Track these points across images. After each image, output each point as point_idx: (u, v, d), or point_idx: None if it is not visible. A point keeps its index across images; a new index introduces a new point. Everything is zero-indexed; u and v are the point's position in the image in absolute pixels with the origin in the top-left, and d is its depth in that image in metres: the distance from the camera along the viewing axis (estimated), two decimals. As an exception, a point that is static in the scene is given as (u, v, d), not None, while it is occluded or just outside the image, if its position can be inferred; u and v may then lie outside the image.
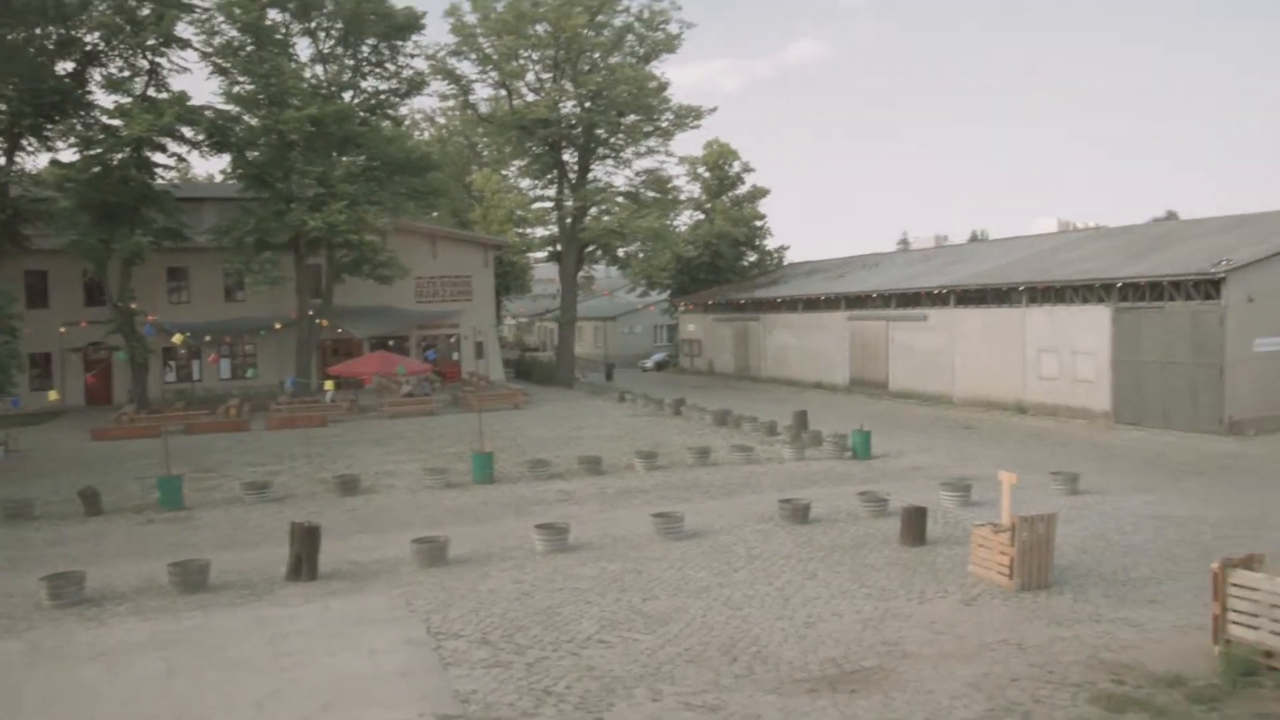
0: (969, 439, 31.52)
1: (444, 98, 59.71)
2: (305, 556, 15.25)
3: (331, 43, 45.25)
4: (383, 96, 47.36)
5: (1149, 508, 19.74)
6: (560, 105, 53.77)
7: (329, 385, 35.59)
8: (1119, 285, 33.81)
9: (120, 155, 39.05)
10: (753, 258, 71.49)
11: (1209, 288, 30.87)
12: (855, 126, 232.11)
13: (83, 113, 39.71)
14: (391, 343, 49.44)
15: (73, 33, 39.07)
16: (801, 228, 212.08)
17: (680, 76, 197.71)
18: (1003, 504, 15.09)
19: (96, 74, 40.46)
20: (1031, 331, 37.72)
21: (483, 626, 12.70)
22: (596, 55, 53.73)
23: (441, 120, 72.14)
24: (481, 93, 59.19)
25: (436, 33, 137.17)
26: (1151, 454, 27.65)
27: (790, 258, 73.54)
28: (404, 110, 55.01)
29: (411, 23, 45.27)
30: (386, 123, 48.94)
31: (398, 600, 14.02)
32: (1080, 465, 24.28)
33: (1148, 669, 10.71)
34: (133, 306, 41.02)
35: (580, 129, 54.71)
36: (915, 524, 17.00)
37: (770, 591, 14.12)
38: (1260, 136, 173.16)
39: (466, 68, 55.60)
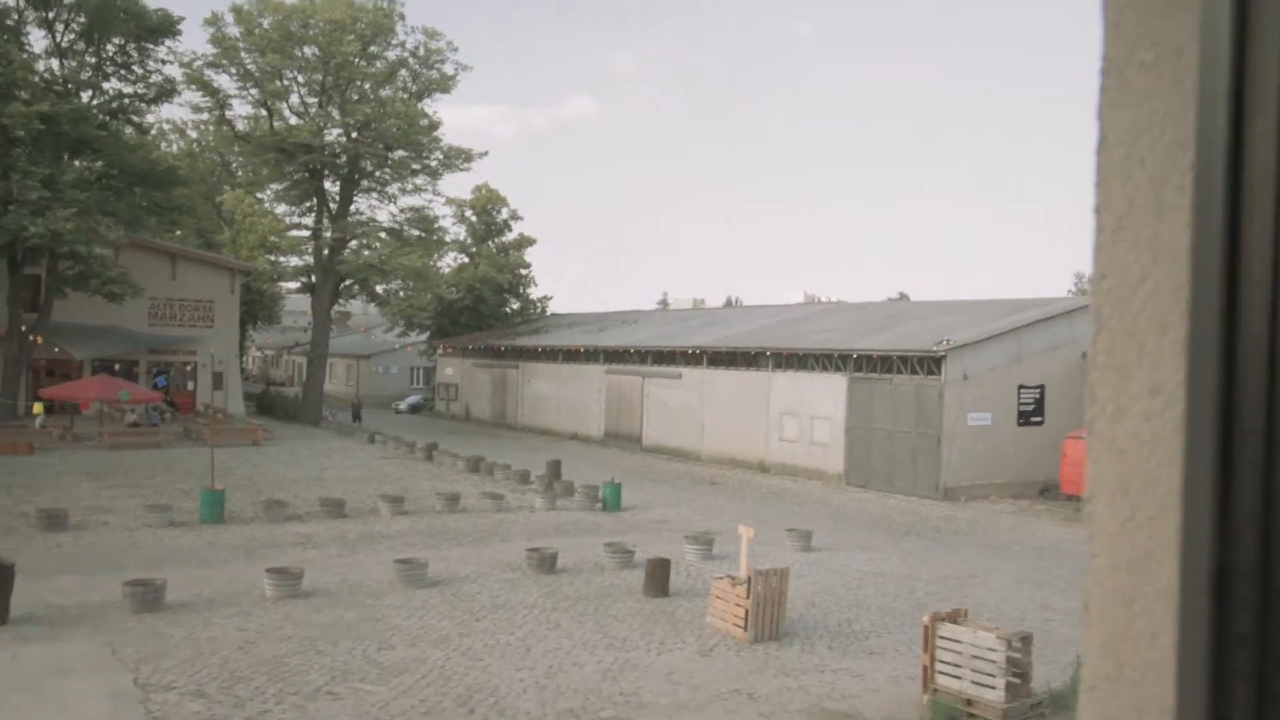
0: (714, 494, 32.74)
1: (197, 109, 56.43)
2: (-6, 597, 13.65)
3: (72, 37, 41.82)
4: (127, 100, 44.15)
5: (872, 564, 21.17)
6: (325, 132, 52.15)
7: (38, 409, 32.31)
8: (855, 356, 36.42)
9: None
10: (516, 305, 71.63)
11: (931, 364, 33.84)
12: (623, 185, 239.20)
13: None
14: (118, 366, 45.53)
15: None
16: (565, 279, 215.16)
17: (453, 117, 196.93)
18: (741, 558, 15.74)
19: None
20: (776, 395, 39.85)
21: (199, 678, 11.79)
22: (367, 86, 52.62)
23: (193, 134, 68.09)
24: (240, 109, 56.50)
25: (194, 40, 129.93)
26: (877, 515, 29.74)
27: (553, 308, 74.29)
28: (150, 118, 51.57)
29: (166, 26, 42.66)
30: (130, 129, 45.61)
31: (102, 648, 12.79)
32: (813, 523, 25.74)
33: (864, 717, 11.40)
34: None
35: (345, 158, 53.20)
36: (659, 576, 17.39)
37: (512, 641, 13.98)
38: (985, 228, 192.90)
39: (225, 81, 52.88)
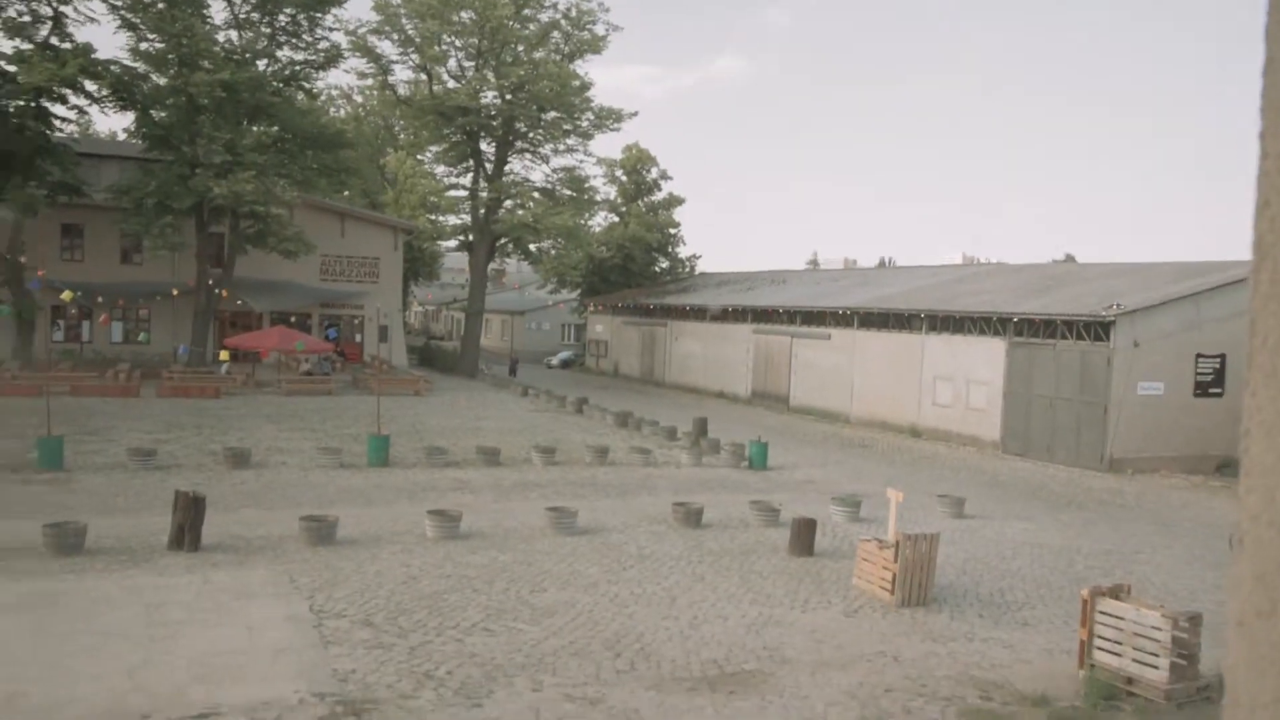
0: (863, 457, 32.32)
1: (362, 75, 58.64)
2: (188, 526, 14.85)
3: (248, 8, 43.98)
4: (298, 68, 46.20)
5: (1028, 535, 20.55)
6: (481, 95, 53.30)
7: (224, 356, 34.64)
8: (1015, 320, 35.08)
9: (17, 103, 37.30)
10: (664, 264, 72.01)
11: (1099, 329, 32.27)
12: (774, 145, 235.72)
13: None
14: (293, 319, 48.28)
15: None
16: (714, 239, 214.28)
17: (604, 77, 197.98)
18: (889, 521, 15.56)
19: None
20: (929, 358, 38.87)
21: (367, 608, 12.55)
22: (520, 48, 53.41)
23: (358, 98, 70.80)
24: (401, 74, 58.48)
25: (359, 8, 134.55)
26: (1035, 484, 28.76)
27: (701, 267, 74.33)
28: (320, 84, 53.83)
29: (332, -7, 44.35)
30: (301, 95, 47.81)
31: (281, 577, 13.76)
32: (966, 490, 25.13)
33: (1015, 688, 11.17)
34: (22, 260, 39.21)
35: (500, 120, 54.35)
36: (804, 535, 17.38)
37: (658, 591, 14.28)
38: (1157, 190, 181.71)
39: (387, 47, 54.72)
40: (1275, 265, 0.89)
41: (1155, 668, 10.79)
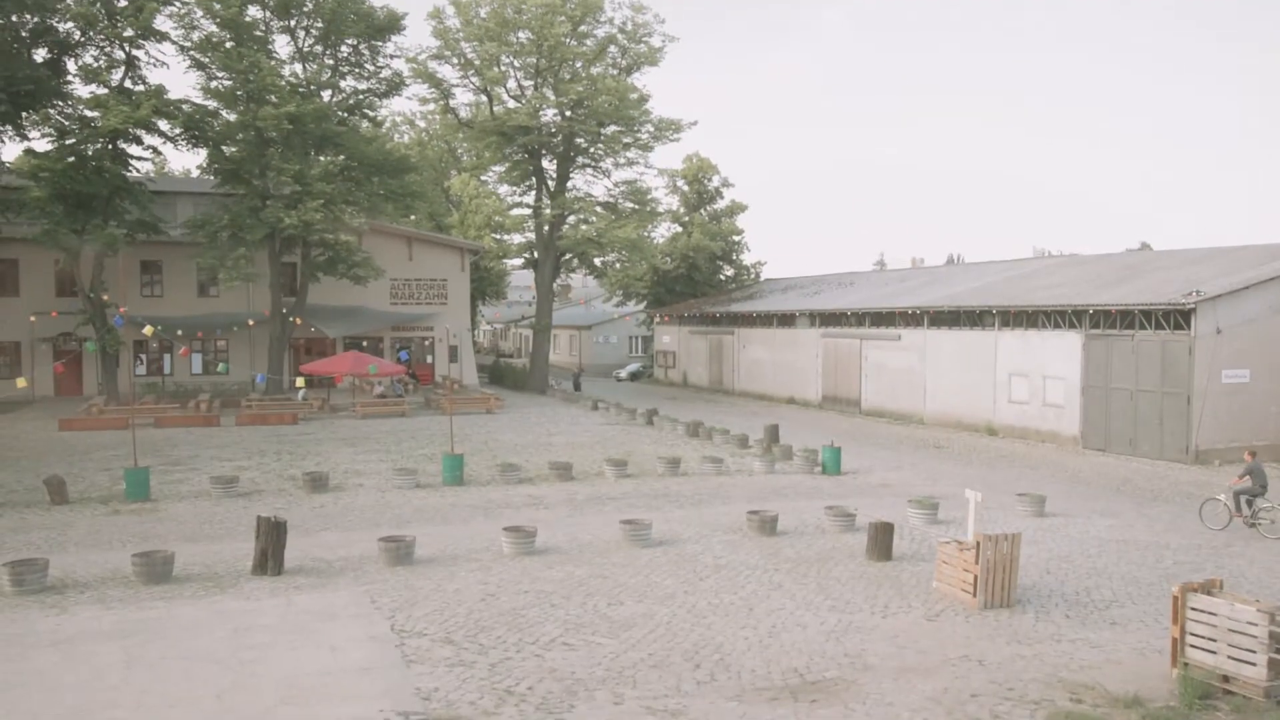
0: (938, 458, 31.78)
1: (424, 101, 59.60)
2: (271, 551, 15.18)
3: (311, 41, 45.13)
4: (361, 97, 47.27)
5: (1113, 532, 19.99)
6: (541, 113, 53.86)
7: (300, 383, 35.43)
8: (1090, 312, 34.23)
9: (95, 146, 38.82)
10: (729, 272, 71.88)
11: (1179, 318, 31.33)
12: (836, 144, 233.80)
13: (58, 102, 39.29)
14: (365, 343, 49.27)
15: (49, 21, 38.66)
16: (779, 244, 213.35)
17: (662, 86, 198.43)
18: (968, 522, 15.27)
19: (72, 64, 40.14)
20: (1003, 355, 38.10)
21: (447, 626, 12.68)
22: (578, 65, 53.83)
23: (421, 123, 72.12)
24: (462, 97, 59.23)
25: (418, 35, 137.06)
26: (1118, 479, 27.98)
27: (766, 273, 74.01)
28: (383, 111, 55.02)
29: (392, 23, 45.24)
30: (365, 123, 48.86)
31: (362, 597, 13.98)
32: (1047, 488, 24.54)
33: (1107, 689, 10.85)
34: (104, 298, 40.69)
35: (560, 137, 54.85)
36: (882, 539, 17.14)
37: (735, 601, 14.19)
38: (1237, 170, 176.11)
39: (447, 72, 55.60)
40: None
41: (1252, 664, 10.38)
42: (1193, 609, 11.04)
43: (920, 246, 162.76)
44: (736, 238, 71.38)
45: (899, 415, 43.22)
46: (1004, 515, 20.69)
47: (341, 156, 44.20)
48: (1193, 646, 10.98)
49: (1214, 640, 10.76)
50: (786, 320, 53.27)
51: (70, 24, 39.25)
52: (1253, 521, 20.26)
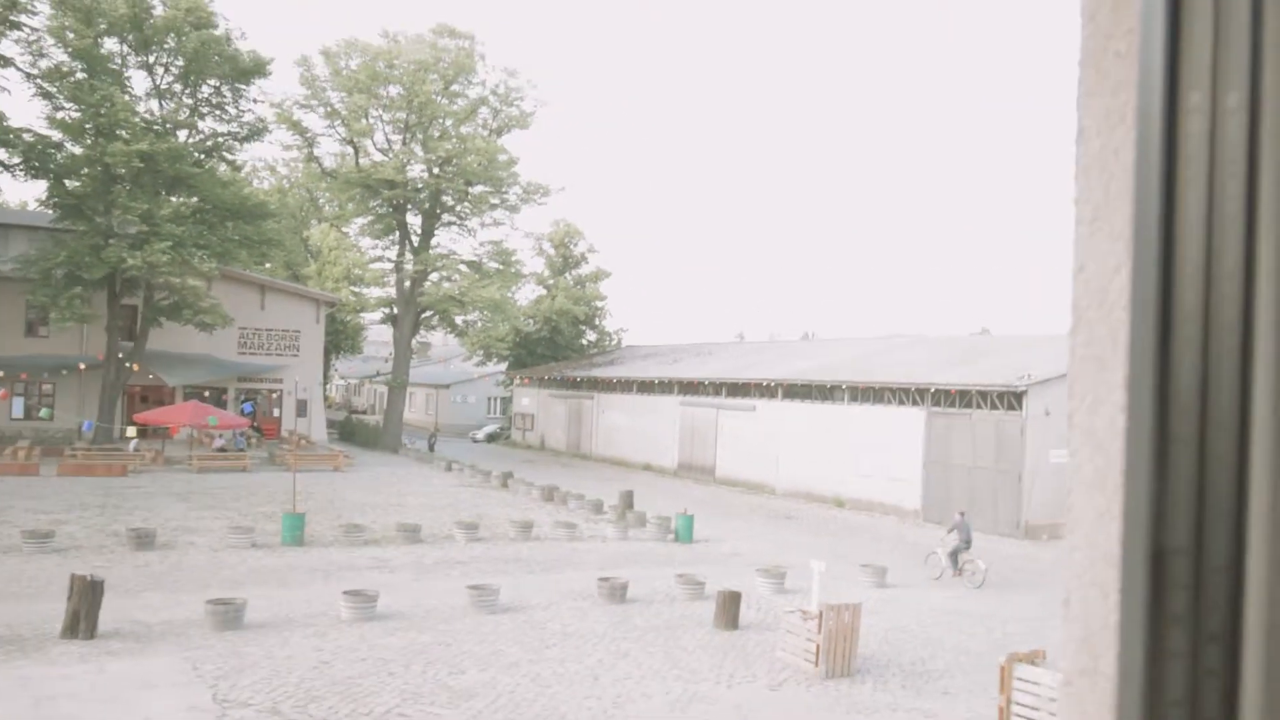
0: (788, 528, 32.38)
1: (287, 147, 58.38)
2: (85, 613, 14.15)
3: (170, 79, 43.64)
4: (221, 139, 45.83)
5: (949, 603, 20.70)
6: (408, 168, 53.49)
7: (132, 432, 33.54)
8: (933, 390, 35.82)
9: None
10: (591, 336, 72.27)
11: (1012, 399, 33.11)
12: (703, 221, 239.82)
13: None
14: (207, 394, 47.04)
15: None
16: (642, 311, 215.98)
17: (533, 148, 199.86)
18: (813, 592, 15.55)
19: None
20: (852, 429, 39.35)
21: (274, 695, 12.04)
22: (449, 123, 53.83)
23: (283, 170, 70.36)
24: (327, 147, 58.39)
25: (285, 80, 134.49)
26: (954, 552, 29.08)
27: (628, 340, 74.70)
28: (243, 155, 53.35)
29: (257, 68, 44.23)
30: (223, 166, 47.34)
31: (183, 664, 13.15)
32: (889, 559, 25.28)
33: (937, 757, 11.13)
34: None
35: (427, 194, 54.49)
36: (730, 608, 17.26)
37: (581, 670, 13.99)
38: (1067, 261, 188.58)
39: (313, 120, 54.69)
40: (1090, 329, 0.91)
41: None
42: (1018, 679, 11.48)
43: (779, 321, 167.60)
44: (600, 303, 71.96)
45: (752, 485, 43.94)
46: (847, 585, 21.16)
47: (195, 199, 42.59)
48: (1017, 715, 11.41)
49: (1037, 710, 11.20)
50: (646, 387, 53.76)
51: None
52: (958, 571, 23.61)
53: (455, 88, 53.43)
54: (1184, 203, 0.74)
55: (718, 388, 48.05)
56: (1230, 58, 0.73)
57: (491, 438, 71.37)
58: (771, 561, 23.93)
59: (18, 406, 44.16)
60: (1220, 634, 0.71)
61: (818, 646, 14.32)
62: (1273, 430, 0.70)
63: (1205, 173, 0.74)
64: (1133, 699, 0.77)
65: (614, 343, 73.27)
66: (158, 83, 43.50)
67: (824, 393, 41.31)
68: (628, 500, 32.92)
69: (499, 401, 79.66)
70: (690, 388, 50.23)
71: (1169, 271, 0.75)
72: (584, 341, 71.45)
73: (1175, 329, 0.75)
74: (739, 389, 46.48)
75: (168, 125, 42.92)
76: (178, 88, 43.96)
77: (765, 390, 44.54)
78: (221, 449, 41.27)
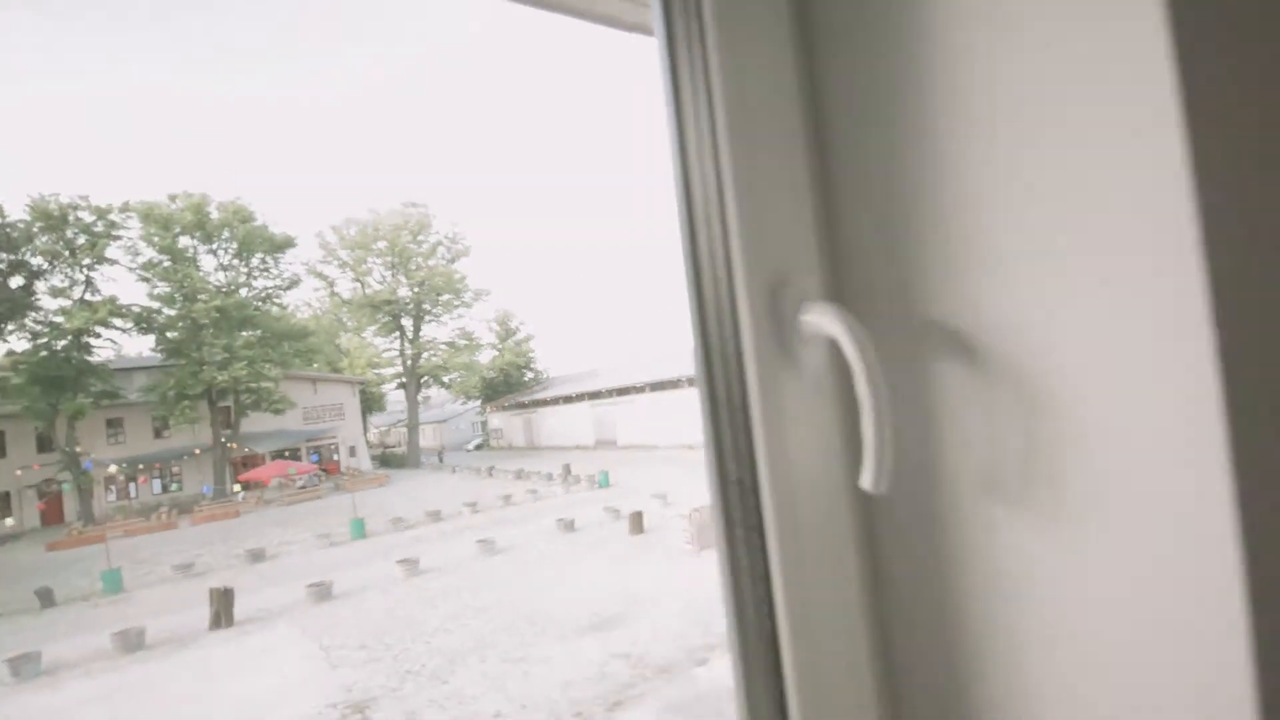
0: (669, 469, 32.45)
1: (316, 289, 56.01)
2: (223, 611, 13.10)
3: (229, 256, 41.28)
4: (269, 291, 43.60)
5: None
6: (397, 291, 52.12)
7: (238, 488, 31.29)
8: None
9: (64, 341, 33.19)
10: (530, 375, 71.54)
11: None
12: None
13: (31, 313, 33.43)
14: (286, 453, 44.32)
15: (22, 257, 33.06)
16: (565, 346, 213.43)
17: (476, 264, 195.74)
18: (684, 503, 15.69)
19: (42, 285, 34.40)
20: (691, 401, 39.73)
21: (361, 637, 11.41)
22: (420, 259, 52.71)
23: (315, 304, 67.28)
24: (342, 285, 56.36)
25: (309, 246, 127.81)
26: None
27: (557, 371, 74.20)
28: (288, 298, 50.84)
29: (287, 243, 42.31)
30: (275, 308, 44.96)
31: (297, 631, 12.29)
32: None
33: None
34: (78, 450, 34.40)
35: (412, 305, 53.11)
36: (637, 522, 17.25)
37: (554, 575, 13.74)
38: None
39: (330, 270, 52.77)
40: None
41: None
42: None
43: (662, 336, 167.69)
44: (531, 355, 71.40)
45: (645, 446, 44.01)
46: (703, 496, 21.34)
47: (259, 331, 40.30)
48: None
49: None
50: (569, 400, 53.39)
51: (39, 258, 33.73)
52: None
53: (420, 236, 52.30)
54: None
55: (611, 392, 48.07)
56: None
57: (478, 447, 69.51)
58: (658, 490, 24.02)
59: (157, 486, 40.64)
60: (756, 525, 0.76)
61: (692, 534, 14.45)
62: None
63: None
64: (724, 559, 0.81)
65: (545, 377, 72.55)
66: (220, 260, 41.03)
67: (674, 384, 41.78)
68: (567, 470, 32.56)
69: (480, 425, 77.64)
70: (597, 394, 50.11)
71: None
72: (526, 379, 70.55)
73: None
74: (624, 390, 46.61)
75: (232, 286, 40.53)
76: (235, 262, 41.56)
77: (639, 389, 44.79)
78: (302, 487, 38.91)
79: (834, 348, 0.75)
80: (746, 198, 0.73)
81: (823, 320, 0.69)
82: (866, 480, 0.66)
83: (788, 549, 0.71)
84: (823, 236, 0.77)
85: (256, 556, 20.53)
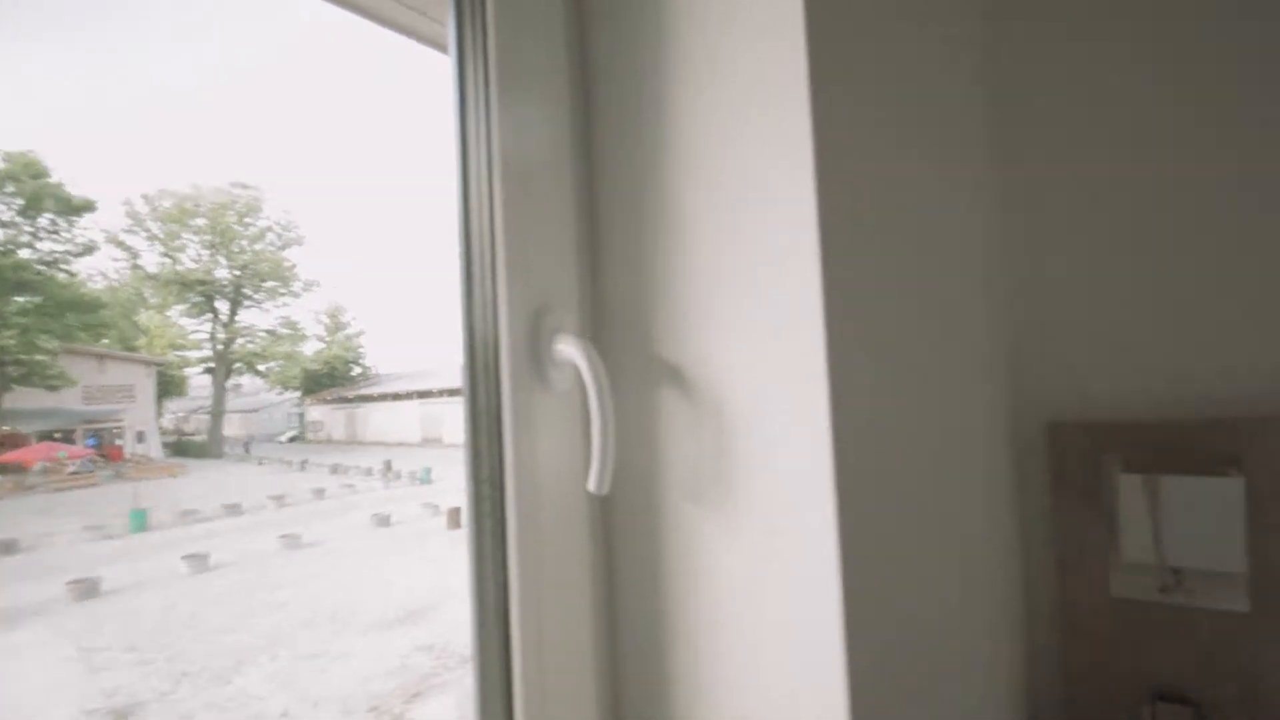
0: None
1: (115, 259, 46.71)
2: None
3: (13, 214, 33.02)
4: (58, 256, 35.43)
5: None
6: (214, 271, 45.28)
7: (-14, 472, 24.78)
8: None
9: None
10: (358, 370, 65.65)
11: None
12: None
13: None
14: (58, 435, 35.96)
15: None
16: (399, 349, 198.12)
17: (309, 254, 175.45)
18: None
19: None
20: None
21: (131, 637, 9.52)
22: (245, 242, 46.30)
23: (113, 275, 55.98)
24: (150, 259, 47.75)
25: (114, 213, 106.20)
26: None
27: (387, 367, 68.76)
28: (79, 266, 41.71)
29: (86, 206, 34.49)
30: (62, 274, 36.65)
31: (51, 632, 9.97)
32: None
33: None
34: None
35: (230, 288, 46.43)
36: (454, 517, 16.48)
37: (364, 570, 12.60)
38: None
39: (137, 241, 44.44)
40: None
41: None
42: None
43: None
44: (361, 350, 65.82)
45: (457, 443, 42.23)
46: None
47: (39, 298, 32.53)
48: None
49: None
50: (399, 396, 49.86)
51: None
52: None
53: (249, 219, 46.07)
54: None
55: (442, 392, 45.72)
56: None
57: (293, 439, 62.01)
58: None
59: None
60: (500, 519, 0.79)
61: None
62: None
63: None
64: (471, 549, 0.81)
65: (374, 373, 67.11)
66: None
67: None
68: (388, 465, 30.22)
69: (296, 416, 69.38)
70: (426, 394, 47.36)
71: None
72: (353, 374, 64.61)
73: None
74: (454, 391, 44.56)
75: (10, 246, 32.42)
76: (19, 219, 33.30)
77: (456, 391, 43.10)
78: (74, 473, 31.74)
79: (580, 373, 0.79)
80: (516, 231, 0.75)
81: (570, 349, 0.74)
82: (591, 483, 0.71)
83: (525, 541, 0.74)
84: (584, 277, 0.82)
85: (8, 548, 16.34)
